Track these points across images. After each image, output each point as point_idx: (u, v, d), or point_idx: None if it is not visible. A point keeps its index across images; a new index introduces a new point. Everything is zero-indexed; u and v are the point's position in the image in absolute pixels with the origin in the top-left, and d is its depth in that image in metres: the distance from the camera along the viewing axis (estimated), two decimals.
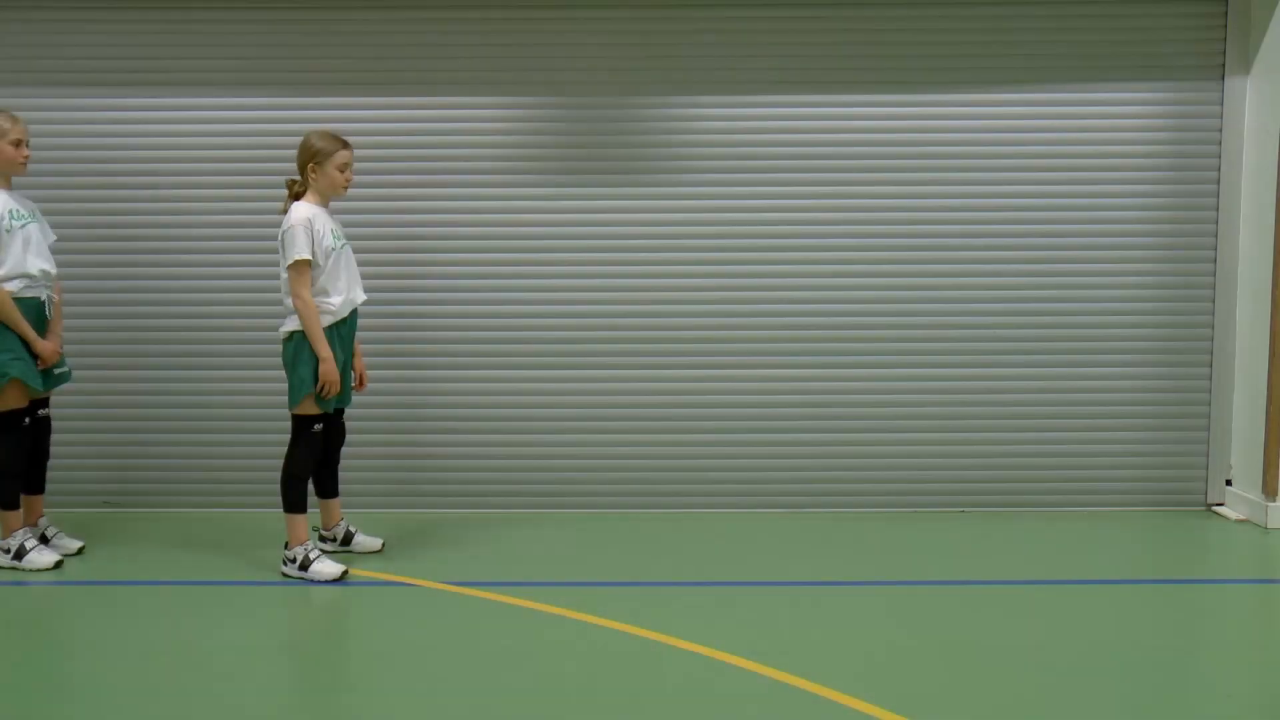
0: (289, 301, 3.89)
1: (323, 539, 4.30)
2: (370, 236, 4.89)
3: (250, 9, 4.83)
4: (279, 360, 4.89)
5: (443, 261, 4.91)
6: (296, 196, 3.98)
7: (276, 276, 4.85)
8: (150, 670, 3.07)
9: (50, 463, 4.96)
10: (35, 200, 4.88)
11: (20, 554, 3.98)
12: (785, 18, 4.84)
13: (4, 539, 4.01)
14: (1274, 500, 4.67)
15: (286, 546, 3.99)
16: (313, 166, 3.93)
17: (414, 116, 4.88)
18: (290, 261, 3.83)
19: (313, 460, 4.02)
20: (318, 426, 3.98)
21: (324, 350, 3.86)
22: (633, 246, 4.91)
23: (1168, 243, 4.91)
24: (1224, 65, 4.82)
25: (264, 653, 3.21)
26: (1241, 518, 4.82)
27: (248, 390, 4.94)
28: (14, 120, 4.03)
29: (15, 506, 4.04)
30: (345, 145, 3.98)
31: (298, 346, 3.90)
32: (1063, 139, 4.87)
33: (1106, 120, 4.87)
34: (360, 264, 4.87)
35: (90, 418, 4.94)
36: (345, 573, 3.92)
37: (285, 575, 3.96)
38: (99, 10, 4.84)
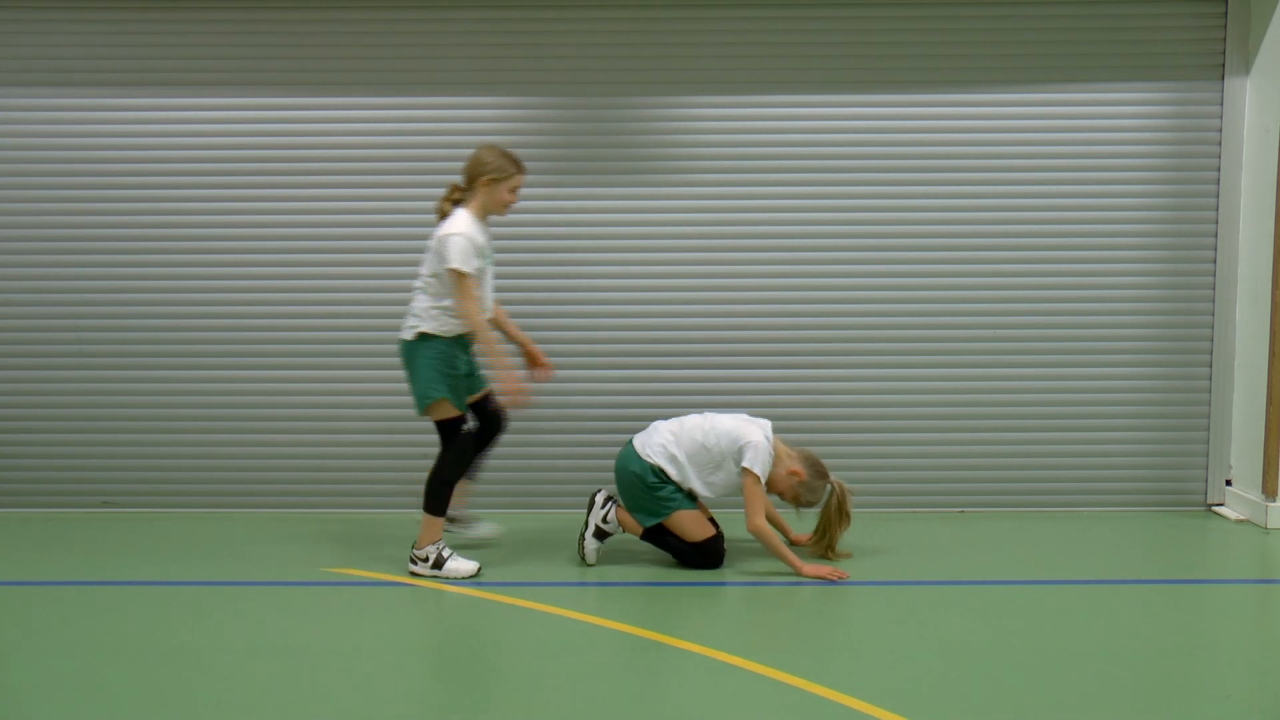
0: (423, 302, 3.84)
1: (450, 520, 4.28)
2: (369, 236, 4.90)
3: (249, 9, 4.83)
4: (278, 359, 4.94)
5: None
6: (455, 202, 3.90)
7: (277, 276, 4.92)
8: (150, 670, 3.07)
9: (50, 463, 4.99)
10: (33, 200, 4.91)
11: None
12: (785, 18, 4.84)
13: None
14: (1274, 500, 4.67)
15: (416, 546, 3.94)
16: (486, 181, 3.84)
17: (414, 116, 4.88)
18: (451, 268, 3.74)
19: (466, 463, 3.95)
20: (467, 426, 3.93)
21: (502, 359, 3.83)
22: (633, 246, 4.91)
23: (1168, 243, 4.91)
24: (1224, 65, 4.82)
25: (264, 653, 3.21)
26: (1241, 518, 4.82)
27: (248, 390, 4.94)
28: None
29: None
30: (522, 170, 3.92)
31: (423, 349, 3.84)
32: (1063, 139, 4.87)
33: (1106, 120, 4.87)
34: (360, 264, 4.92)
35: (90, 418, 4.94)
36: (479, 569, 3.90)
37: (415, 575, 3.92)
38: (97, 10, 4.83)
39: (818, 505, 4.11)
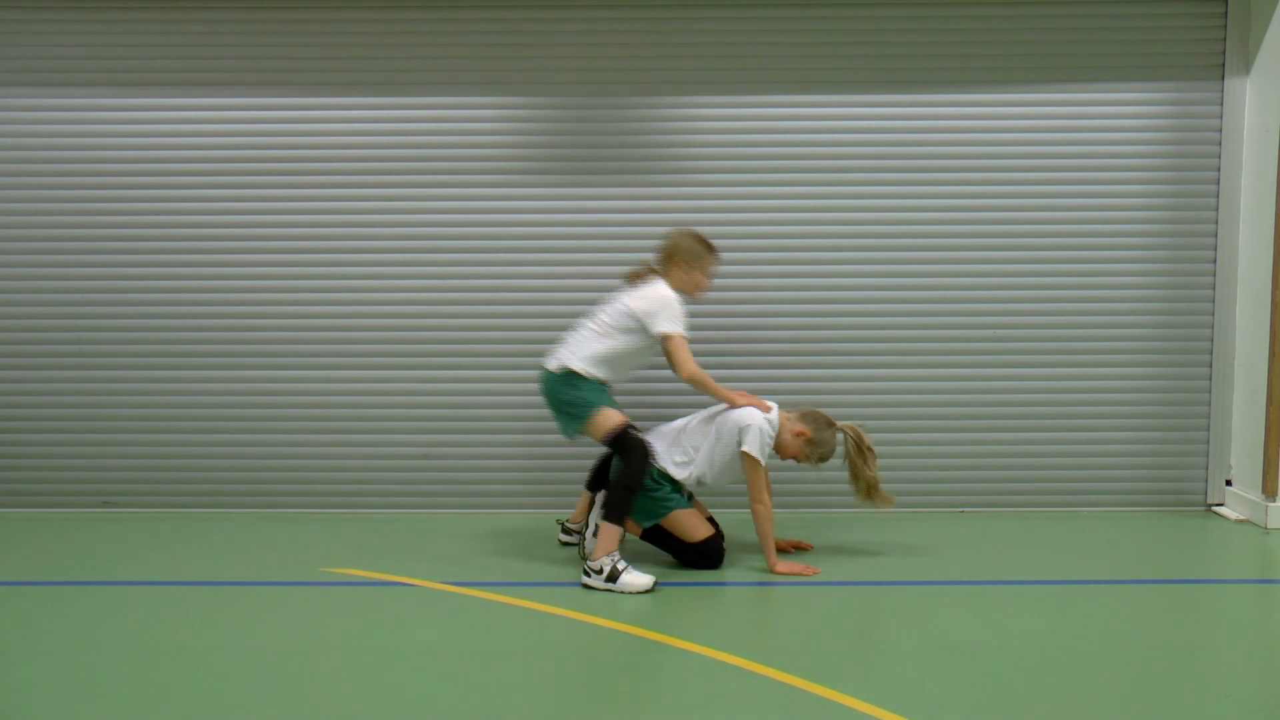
0: (591, 345, 3.95)
1: (566, 531, 4.36)
2: (369, 236, 4.90)
3: (249, 9, 4.83)
4: (278, 359, 4.93)
5: (442, 261, 4.91)
6: (643, 279, 4.08)
7: (277, 276, 4.92)
8: (150, 670, 3.07)
9: (50, 463, 4.99)
10: (33, 200, 4.91)
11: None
12: (785, 18, 4.84)
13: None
14: (1274, 500, 4.67)
15: (591, 557, 3.85)
16: (683, 264, 4.03)
17: (414, 116, 4.88)
18: (663, 332, 3.91)
19: (648, 466, 3.90)
20: (633, 430, 3.91)
21: (732, 397, 4.00)
22: (632, 246, 4.90)
23: (1168, 243, 4.91)
24: (1224, 65, 4.82)
25: (264, 654, 3.21)
26: (1241, 518, 4.82)
27: (248, 390, 4.94)
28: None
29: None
30: (716, 254, 4.12)
31: (577, 386, 3.94)
32: (1063, 139, 4.87)
33: (1106, 120, 4.87)
34: (360, 264, 4.92)
35: (90, 418, 4.94)
36: (655, 583, 3.79)
37: (588, 587, 3.80)
38: (97, 10, 4.84)
39: (836, 455, 4.12)
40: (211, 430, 4.95)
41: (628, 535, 4.12)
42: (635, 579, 3.77)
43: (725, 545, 4.08)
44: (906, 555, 4.26)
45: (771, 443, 3.99)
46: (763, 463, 3.95)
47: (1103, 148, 4.88)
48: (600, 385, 3.99)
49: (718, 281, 4.89)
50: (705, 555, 4.01)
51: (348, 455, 4.98)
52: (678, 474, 4.02)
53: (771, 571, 3.98)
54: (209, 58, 4.86)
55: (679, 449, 4.05)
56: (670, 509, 3.98)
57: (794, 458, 4.09)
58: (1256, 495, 4.74)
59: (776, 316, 4.93)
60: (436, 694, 2.91)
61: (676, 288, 4.03)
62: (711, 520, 4.10)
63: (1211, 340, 4.93)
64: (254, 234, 4.90)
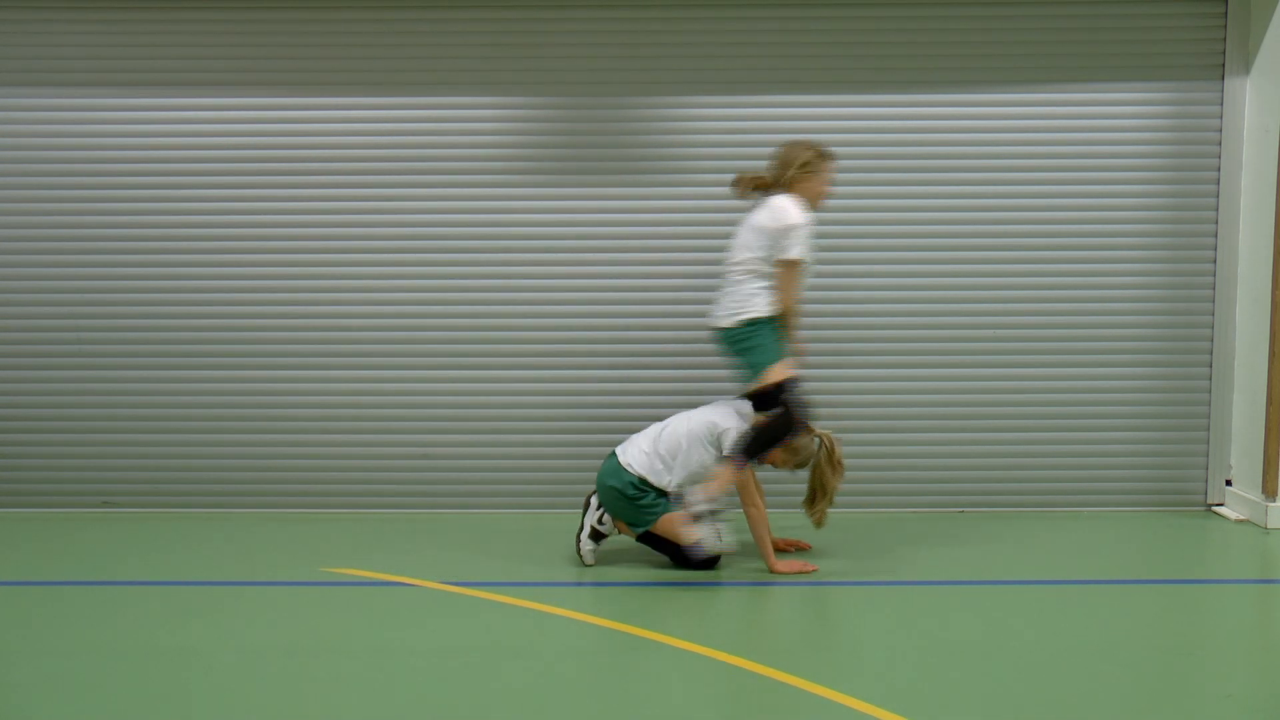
0: (749, 287, 3.92)
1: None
2: (369, 237, 4.90)
3: (249, 9, 4.83)
4: (278, 359, 4.93)
5: (442, 261, 4.91)
6: (762, 189, 4.03)
7: (277, 276, 4.92)
8: (150, 670, 3.07)
9: (50, 463, 4.99)
10: (33, 200, 4.91)
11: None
12: (784, 18, 4.84)
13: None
14: (1274, 500, 4.67)
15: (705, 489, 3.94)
16: (802, 173, 3.96)
17: (414, 116, 4.88)
18: (786, 257, 3.87)
19: (796, 426, 3.93)
20: (794, 388, 3.93)
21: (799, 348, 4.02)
22: (632, 246, 4.91)
23: (1168, 243, 4.91)
24: (1224, 65, 4.82)
25: (264, 654, 3.21)
26: (1241, 518, 4.82)
27: (248, 390, 4.94)
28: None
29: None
30: (833, 157, 4.07)
31: (759, 330, 3.92)
32: (1063, 139, 4.87)
33: (1106, 120, 4.87)
34: (360, 264, 4.92)
35: (90, 418, 4.94)
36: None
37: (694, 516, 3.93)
38: (97, 10, 4.84)
39: (811, 461, 4.12)
40: (211, 430, 4.95)
41: (622, 536, 4.13)
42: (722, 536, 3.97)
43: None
44: (906, 555, 4.26)
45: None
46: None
47: (1103, 148, 4.87)
48: (775, 326, 3.96)
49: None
50: (700, 556, 4.01)
51: (348, 455, 4.97)
52: (658, 481, 3.99)
53: (771, 572, 3.98)
54: (209, 58, 4.86)
55: (657, 456, 4.01)
56: (659, 514, 3.98)
57: (771, 463, 4.07)
58: (1256, 495, 4.74)
59: None
60: (436, 694, 2.91)
61: (803, 197, 3.98)
62: None
63: (1211, 340, 4.92)
64: (254, 234, 4.90)
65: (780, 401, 3.92)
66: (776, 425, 3.92)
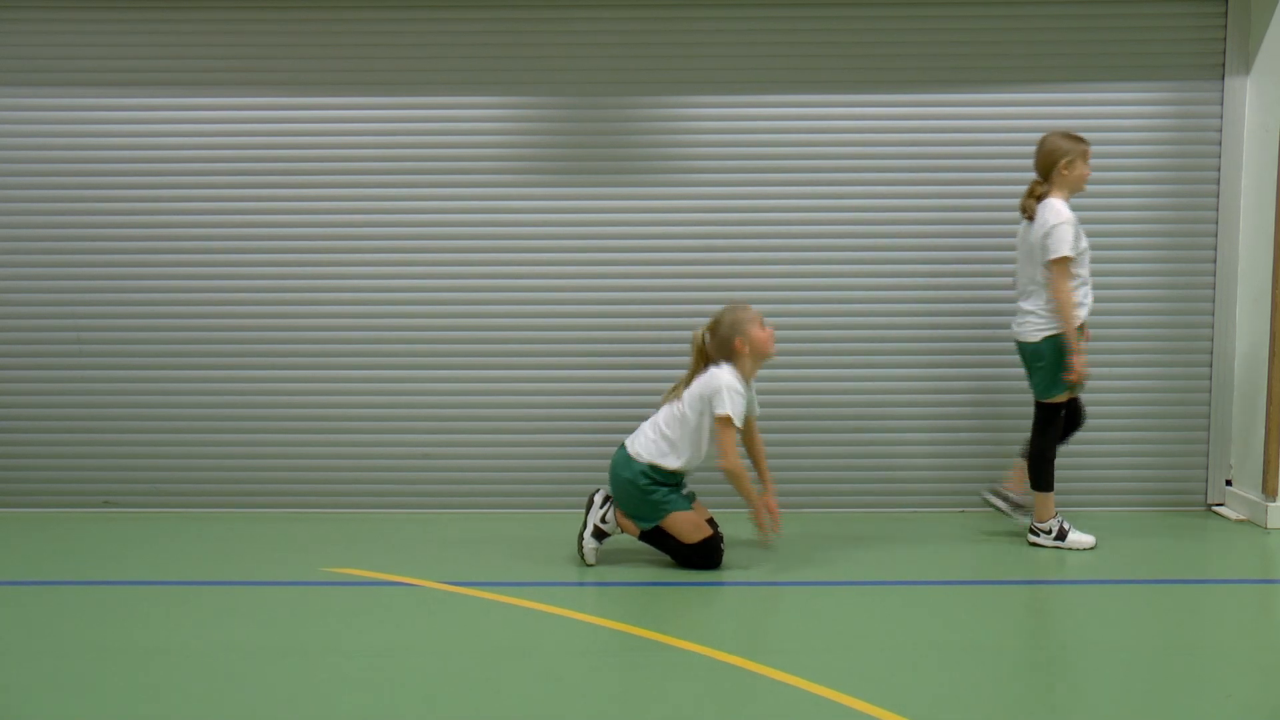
0: (1040, 301, 4.15)
1: (995, 494, 4.53)
2: (369, 237, 4.90)
3: (249, 9, 4.83)
4: (278, 359, 4.93)
5: (442, 261, 4.91)
6: (1039, 197, 4.18)
7: (277, 276, 4.92)
8: (149, 670, 3.07)
9: (50, 463, 4.99)
10: (33, 200, 4.91)
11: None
12: (785, 17, 4.84)
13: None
14: (1274, 500, 4.67)
15: (1038, 519, 4.32)
16: (1065, 164, 4.12)
17: (414, 116, 4.88)
18: (1053, 258, 4.05)
19: (1057, 439, 4.31)
20: (1062, 411, 4.27)
21: (1075, 344, 4.10)
22: (632, 246, 4.91)
23: (1168, 243, 4.91)
24: (1224, 65, 4.82)
25: (264, 654, 3.21)
26: (1241, 518, 4.82)
27: (248, 390, 4.94)
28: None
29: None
30: (1086, 142, 4.20)
31: (1052, 348, 4.14)
32: None
33: (1106, 120, 4.87)
34: (360, 264, 4.92)
35: (90, 418, 4.94)
36: (1095, 543, 4.29)
37: (1035, 544, 4.34)
38: (97, 10, 4.84)
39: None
40: (211, 430, 4.95)
41: (623, 536, 4.13)
42: (1081, 538, 4.30)
43: (724, 546, 4.07)
44: (907, 555, 4.26)
45: (742, 398, 3.99)
46: (738, 422, 3.96)
47: (1103, 148, 4.86)
48: (1063, 343, 4.11)
49: (718, 281, 4.91)
50: (704, 556, 4.01)
51: (348, 455, 4.97)
52: (666, 464, 4.00)
53: (753, 505, 4.08)
54: (209, 58, 4.86)
55: (662, 438, 4.03)
56: (668, 511, 3.99)
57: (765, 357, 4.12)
58: (1256, 495, 4.74)
59: (776, 315, 4.90)
60: (436, 694, 2.91)
61: (1068, 188, 4.15)
62: (711, 521, 4.10)
63: (1211, 340, 4.92)
64: (254, 234, 4.90)
65: (1051, 419, 4.26)
66: (1045, 443, 4.26)
